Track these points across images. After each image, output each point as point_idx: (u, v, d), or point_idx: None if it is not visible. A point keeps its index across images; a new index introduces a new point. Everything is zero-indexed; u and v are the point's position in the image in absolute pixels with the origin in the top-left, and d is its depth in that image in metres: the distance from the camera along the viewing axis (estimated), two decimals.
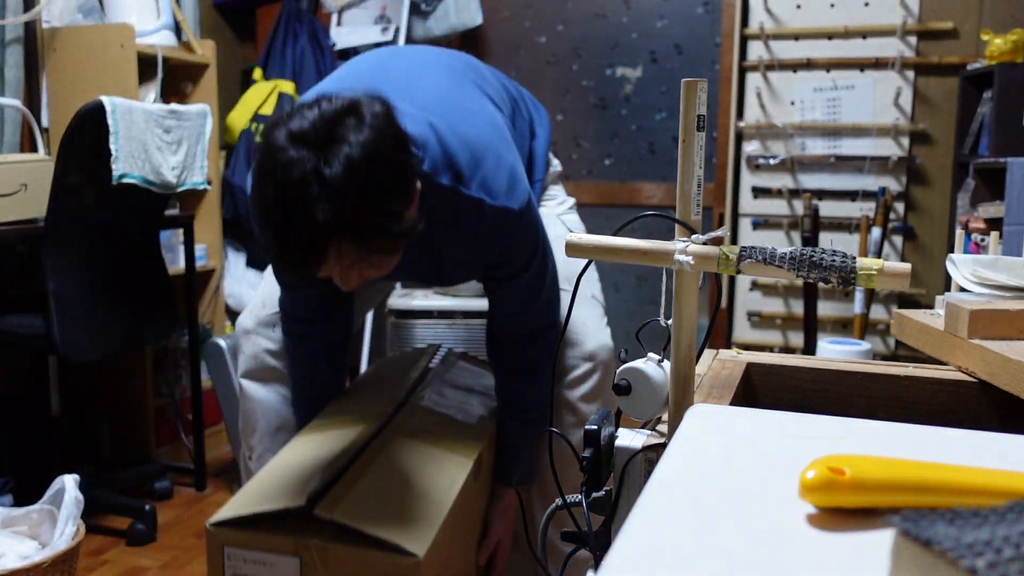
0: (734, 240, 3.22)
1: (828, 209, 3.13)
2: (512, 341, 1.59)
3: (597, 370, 1.69)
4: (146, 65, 2.71)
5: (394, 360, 1.98)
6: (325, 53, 3.27)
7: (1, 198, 2.20)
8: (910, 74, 3.05)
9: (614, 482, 0.87)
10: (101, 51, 2.62)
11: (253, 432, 1.72)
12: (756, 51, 3.19)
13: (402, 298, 2.72)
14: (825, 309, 3.13)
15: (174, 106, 2.42)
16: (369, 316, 3.02)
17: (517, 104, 1.73)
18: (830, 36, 3.11)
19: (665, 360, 0.91)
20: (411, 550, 1.16)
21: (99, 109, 2.13)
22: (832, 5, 3.10)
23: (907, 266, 0.79)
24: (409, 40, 3.38)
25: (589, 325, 1.71)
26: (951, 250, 1.26)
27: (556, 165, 1.92)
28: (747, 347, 1.78)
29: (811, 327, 2.94)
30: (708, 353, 1.12)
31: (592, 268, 1.76)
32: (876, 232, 2.93)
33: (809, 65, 3.13)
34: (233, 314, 3.12)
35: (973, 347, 0.98)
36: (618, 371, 0.90)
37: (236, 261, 3.23)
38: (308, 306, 1.60)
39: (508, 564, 1.71)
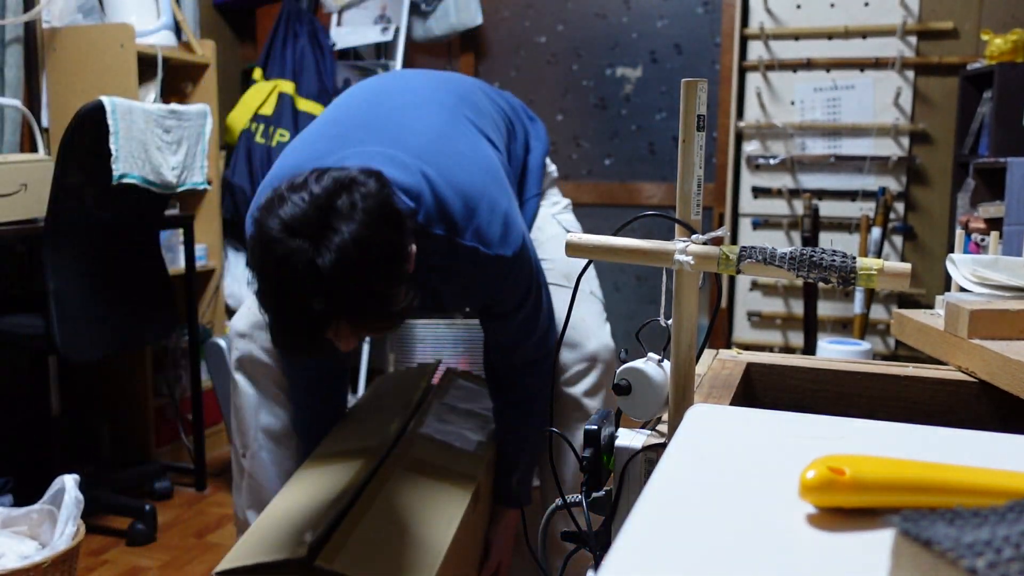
0: (734, 240, 3.22)
1: (828, 209, 3.13)
2: (509, 371, 1.61)
3: (597, 368, 1.70)
4: (146, 65, 2.71)
5: (394, 380, 2.00)
6: (325, 53, 3.27)
7: (1, 198, 2.20)
8: (910, 74, 3.05)
9: (614, 482, 0.87)
10: (101, 51, 2.62)
11: (246, 430, 1.73)
12: (756, 51, 3.19)
13: None
14: (825, 309, 3.13)
15: (174, 106, 2.42)
16: None
17: (512, 124, 1.73)
18: (830, 36, 3.11)
19: (665, 360, 0.90)
20: None
21: (99, 109, 2.13)
22: (832, 5, 3.10)
23: (907, 266, 0.79)
24: (409, 40, 3.38)
25: (589, 323, 1.72)
26: (951, 250, 1.26)
27: (553, 172, 1.92)
28: (747, 347, 1.78)
29: (811, 327, 2.94)
30: (708, 353, 1.12)
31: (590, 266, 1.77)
32: (876, 232, 2.93)
33: (809, 65, 3.13)
34: (233, 314, 3.11)
35: (973, 347, 0.98)
36: (618, 371, 0.90)
37: (236, 261, 3.23)
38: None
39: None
